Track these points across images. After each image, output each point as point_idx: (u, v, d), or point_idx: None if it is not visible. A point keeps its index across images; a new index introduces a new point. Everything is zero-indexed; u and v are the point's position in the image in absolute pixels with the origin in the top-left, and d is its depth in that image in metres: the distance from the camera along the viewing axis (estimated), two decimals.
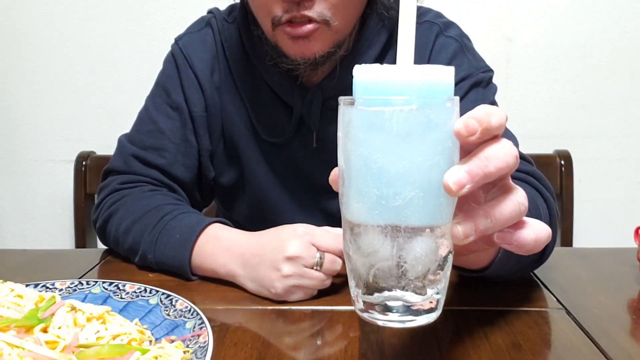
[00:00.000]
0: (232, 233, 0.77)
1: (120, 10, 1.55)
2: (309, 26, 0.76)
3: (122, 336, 0.52)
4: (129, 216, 0.83)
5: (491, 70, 0.94)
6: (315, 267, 0.69)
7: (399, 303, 0.40)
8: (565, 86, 1.55)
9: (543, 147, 1.56)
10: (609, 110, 1.56)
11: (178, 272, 0.77)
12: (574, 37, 1.53)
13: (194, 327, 0.56)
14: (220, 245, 0.75)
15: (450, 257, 0.42)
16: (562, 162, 1.51)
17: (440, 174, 0.38)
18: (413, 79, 0.38)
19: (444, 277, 0.41)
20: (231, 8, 0.97)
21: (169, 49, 1.49)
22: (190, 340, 0.54)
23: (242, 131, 0.92)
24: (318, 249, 0.69)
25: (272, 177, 0.93)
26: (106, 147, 1.60)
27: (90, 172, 1.54)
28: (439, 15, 0.95)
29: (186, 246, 0.75)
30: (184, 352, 0.52)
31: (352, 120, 0.39)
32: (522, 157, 0.87)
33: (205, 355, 0.49)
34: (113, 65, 1.57)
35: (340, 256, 0.69)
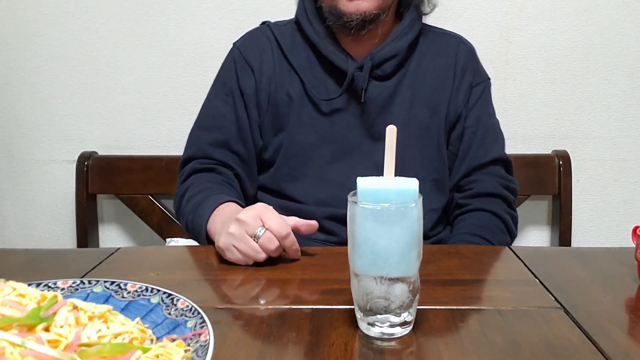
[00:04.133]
0: (234, 206, 0.96)
1: (122, 11, 1.55)
2: None
3: (123, 335, 0.52)
4: (192, 192, 1.06)
5: (489, 78, 1.22)
6: (254, 238, 0.82)
7: (386, 322, 0.62)
8: (563, 87, 1.55)
9: (541, 148, 1.57)
10: (607, 111, 1.56)
11: (199, 227, 0.97)
12: (572, 39, 1.53)
13: (195, 326, 0.56)
14: (221, 213, 0.94)
15: (418, 294, 0.63)
16: (561, 162, 1.52)
17: (410, 246, 0.60)
18: (392, 188, 0.62)
19: (414, 305, 0.63)
20: (281, 20, 1.22)
21: (170, 49, 1.54)
22: (191, 339, 0.55)
23: (293, 97, 1.13)
24: (263, 225, 0.83)
25: (314, 131, 1.12)
26: (108, 147, 1.61)
27: (92, 172, 1.55)
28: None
29: (210, 209, 0.96)
30: (185, 351, 0.52)
31: (356, 213, 0.61)
32: (499, 160, 1.17)
33: (206, 354, 0.50)
34: (115, 66, 1.58)
35: (281, 240, 0.83)
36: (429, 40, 1.16)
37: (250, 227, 0.83)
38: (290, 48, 1.15)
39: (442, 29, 1.21)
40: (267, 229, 0.82)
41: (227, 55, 1.21)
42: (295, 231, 0.87)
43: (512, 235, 1.13)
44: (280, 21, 1.22)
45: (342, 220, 1.02)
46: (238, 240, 0.83)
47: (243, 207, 0.94)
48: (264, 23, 1.23)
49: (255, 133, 1.15)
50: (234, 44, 1.21)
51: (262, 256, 0.83)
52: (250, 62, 1.15)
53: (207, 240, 0.96)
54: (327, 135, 1.12)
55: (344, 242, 0.98)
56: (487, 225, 1.10)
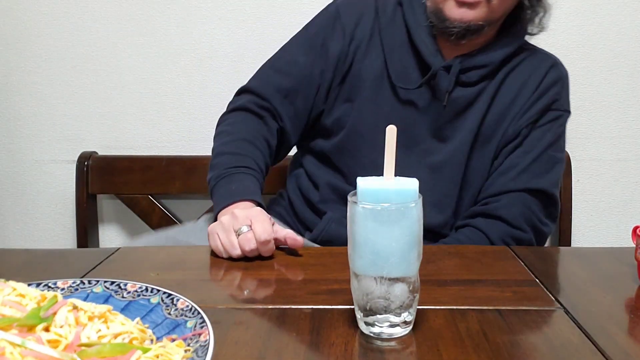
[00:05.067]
0: (248, 204, 0.96)
1: (122, 11, 1.55)
2: None
3: (123, 335, 0.52)
4: (228, 146, 1.07)
5: (569, 113, 1.14)
6: (237, 233, 0.86)
7: (386, 322, 0.62)
8: None
9: None
10: (607, 111, 1.56)
11: (214, 203, 1.00)
12: (572, 39, 1.53)
13: (195, 326, 0.56)
14: (236, 208, 0.94)
15: (417, 294, 0.63)
16: None
17: (410, 246, 0.60)
18: (392, 188, 0.62)
19: (414, 305, 0.63)
20: None
21: (170, 49, 1.52)
22: (191, 339, 0.55)
23: (373, 74, 1.10)
24: (250, 226, 0.86)
25: (383, 116, 1.09)
26: (108, 147, 1.61)
27: (92, 172, 1.55)
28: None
29: (230, 198, 0.97)
30: (185, 351, 0.52)
31: (356, 213, 0.60)
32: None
33: (206, 354, 0.50)
34: (115, 66, 1.58)
35: (259, 244, 0.85)
36: (523, 56, 1.12)
37: (238, 223, 0.87)
38: (387, 24, 1.11)
39: (542, 49, 1.16)
40: (251, 229, 0.86)
41: (327, 7, 1.17)
42: (284, 243, 0.89)
43: None
44: None
45: None
46: (222, 229, 0.88)
47: (262, 206, 0.97)
48: None
49: (323, 95, 1.13)
50: (337, 1, 1.17)
51: (237, 252, 0.86)
52: (346, 24, 1.12)
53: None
54: (393, 122, 1.07)
55: None
56: (465, 242, 1.05)
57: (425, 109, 1.08)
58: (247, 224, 0.86)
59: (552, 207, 1.09)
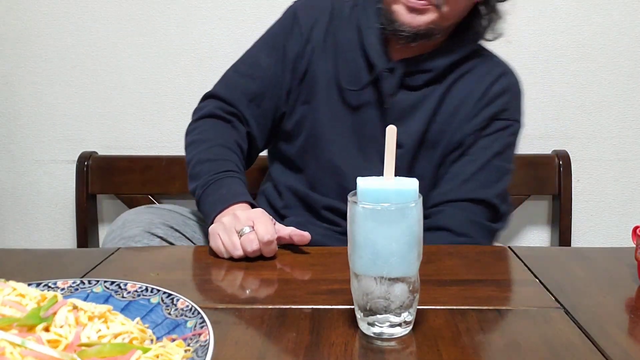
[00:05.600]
0: (243, 206, 0.95)
1: (122, 11, 1.55)
2: (424, 2, 0.98)
3: (123, 335, 0.52)
4: (205, 153, 1.05)
5: (520, 124, 1.13)
6: (239, 234, 0.86)
7: (386, 322, 0.62)
8: (563, 87, 1.55)
9: (541, 148, 1.57)
10: (607, 111, 1.56)
11: (205, 212, 0.99)
12: (572, 39, 1.53)
13: (195, 326, 0.56)
14: (230, 210, 0.94)
15: (417, 294, 0.63)
16: (561, 162, 1.52)
17: (410, 246, 0.60)
18: (392, 188, 0.62)
19: (414, 305, 0.63)
20: None
21: (170, 49, 1.52)
22: (191, 339, 0.55)
23: (325, 76, 1.11)
24: (252, 227, 0.86)
25: (336, 117, 1.10)
26: (108, 147, 1.61)
27: (92, 172, 1.55)
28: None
29: (224, 203, 0.96)
30: (185, 351, 0.52)
31: (356, 213, 0.60)
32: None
33: (206, 354, 0.50)
34: (115, 66, 1.58)
35: (262, 245, 0.85)
36: (474, 63, 1.10)
37: (240, 223, 0.87)
38: (341, 25, 1.12)
39: (496, 56, 1.15)
40: (253, 230, 0.86)
41: (286, 10, 1.18)
42: (289, 241, 0.89)
43: None
44: None
45: (344, 215, 1.05)
46: (224, 230, 0.87)
47: (254, 206, 0.96)
48: None
49: (283, 97, 1.13)
50: (295, 1, 1.18)
51: (239, 253, 0.85)
52: (303, 26, 1.13)
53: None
54: (347, 125, 1.10)
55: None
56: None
57: (372, 111, 1.09)
58: (249, 225, 0.86)
59: (497, 216, 1.07)
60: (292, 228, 0.90)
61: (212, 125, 1.11)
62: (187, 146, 1.10)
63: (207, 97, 1.16)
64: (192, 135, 1.11)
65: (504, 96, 1.09)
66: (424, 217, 1.01)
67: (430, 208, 1.06)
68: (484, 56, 1.13)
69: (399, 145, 1.03)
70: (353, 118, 1.10)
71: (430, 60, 1.06)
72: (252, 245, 0.85)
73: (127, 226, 1.03)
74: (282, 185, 1.15)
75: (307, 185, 1.13)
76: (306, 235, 0.89)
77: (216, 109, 1.11)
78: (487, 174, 1.06)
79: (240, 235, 0.86)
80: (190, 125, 1.14)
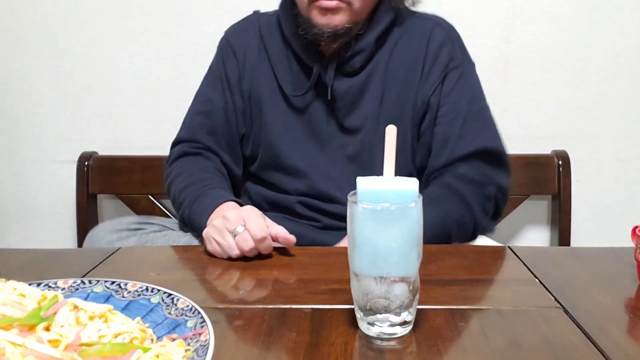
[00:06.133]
0: (230, 205, 0.98)
1: (121, 11, 1.55)
2: (336, 2, 1.01)
3: (123, 335, 0.52)
4: (185, 181, 1.09)
5: (471, 63, 1.15)
6: (233, 234, 0.86)
7: (386, 322, 0.62)
8: (563, 87, 1.55)
9: (541, 148, 1.57)
10: (607, 111, 1.56)
11: (197, 226, 0.99)
12: (573, 38, 1.53)
13: (195, 326, 0.56)
14: (219, 211, 0.97)
15: (418, 294, 0.63)
16: (560, 162, 1.52)
17: (410, 246, 0.60)
18: (392, 188, 0.62)
19: (414, 304, 0.63)
20: (274, 10, 1.22)
21: (169, 49, 1.54)
22: (191, 338, 0.55)
23: (268, 90, 1.15)
24: (245, 226, 0.86)
25: (287, 126, 1.14)
26: (108, 147, 1.61)
27: (92, 172, 1.55)
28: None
29: (210, 208, 0.98)
30: (185, 351, 0.52)
31: (356, 213, 0.60)
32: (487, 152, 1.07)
33: (206, 354, 0.50)
34: (115, 66, 1.58)
35: (256, 242, 0.86)
36: (403, 28, 1.12)
37: (232, 224, 0.87)
38: (270, 40, 1.17)
39: (421, 13, 1.17)
40: (246, 229, 0.86)
41: (219, 42, 1.24)
42: (275, 240, 0.90)
43: (478, 224, 1.05)
44: (271, 11, 1.23)
45: (321, 210, 1.12)
46: (217, 232, 0.88)
47: (240, 205, 0.98)
48: (255, 12, 1.25)
49: (240, 120, 1.18)
50: (225, 31, 1.24)
51: (235, 252, 0.86)
52: (236, 49, 1.18)
53: None
54: (300, 129, 1.14)
55: (327, 227, 1.12)
56: (439, 197, 1.04)
57: (321, 108, 1.12)
58: (241, 224, 0.87)
59: (503, 160, 1.09)
60: (280, 228, 0.90)
61: (185, 162, 1.15)
62: (168, 187, 1.14)
63: (173, 144, 1.20)
64: (169, 177, 1.15)
65: (445, 47, 1.10)
66: (437, 171, 1.06)
67: (438, 169, 1.08)
68: (409, 18, 1.14)
69: (356, 131, 1.11)
70: (304, 120, 1.13)
71: (358, 42, 1.08)
72: (248, 244, 0.85)
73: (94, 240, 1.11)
74: (255, 195, 1.20)
75: (277, 191, 1.16)
76: (291, 239, 0.90)
77: (184, 148, 1.17)
78: (474, 123, 1.08)
79: (234, 235, 0.86)
80: (165, 170, 1.18)
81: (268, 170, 1.17)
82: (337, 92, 1.10)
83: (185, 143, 1.18)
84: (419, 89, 1.10)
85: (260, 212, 0.92)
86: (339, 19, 1.03)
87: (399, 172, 0.94)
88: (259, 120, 1.16)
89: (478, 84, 1.14)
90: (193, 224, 1.02)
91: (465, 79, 1.11)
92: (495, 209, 1.09)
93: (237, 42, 1.19)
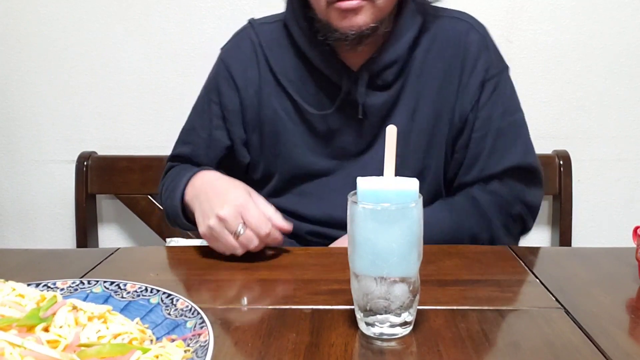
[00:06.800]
0: (211, 174, 0.94)
1: (121, 11, 1.55)
2: (358, 1, 0.90)
3: (123, 335, 0.52)
4: (168, 180, 1.04)
5: (506, 67, 1.06)
6: (235, 235, 0.81)
7: (386, 322, 0.62)
8: (564, 87, 1.55)
9: (542, 148, 1.56)
10: (607, 111, 1.56)
11: (176, 211, 0.96)
12: (573, 38, 1.53)
13: (195, 327, 0.56)
14: (197, 181, 0.93)
15: (418, 294, 0.62)
16: (561, 162, 1.52)
17: (410, 246, 0.60)
18: (392, 188, 0.61)
19: (414, 305, 0.62)
20: (272, 15, 1.11)
21: (170, 49, 1.49)
22: (191, 339, 0.55)
23: (281, 112, 1.04)
24: (244, 222, 0.81)
25: (309, 148, 1.04)
26: (107, 147, 1.61)
27: (91, 172, 1.55)
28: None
29: (180, 185, 0.95)
30: (185, 351, 0.52)
31: (356, 213, 0.60)
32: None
33: (206, 355, 0.50)
34: (114, 66, 1.58)
35: (260, 238, 0.82)
36: (434, 31, 1.02)
37: (230, 226, 0.82)
38: (277, 55, 1.04)
39: (450, 10, 1.06)
40: (246, 227, 0.82)
41: (215, 62, 1.12)
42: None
43: (496, 241, 1.00)
44: (268, 17, 1.10)
45: (331, 238, 1.02)
46: (217, 235, 0.83)
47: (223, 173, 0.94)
48: (248, 22, 1.11)
49: (241, 151, 1.08)
50: (221, 49, 1.12)
51: (240, 251, 0.84)
52: (234, 74, 1.06)
53: (188, 221, 0.98)
54: (323, 150, 1.04)
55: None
56: (461, 208, 1.00)
57: (348, 127, 1.02)
58: (239, 221, 0.81)
59: (535, 177, 1.03)
60: (278, 216, 0.85)
61: (176, 168, 1.09)
62: (161, 201, 1.07)
63: (168, 160, 1.14)
64: (161, 190, 1.08)
65: (482, 54, 1.02)
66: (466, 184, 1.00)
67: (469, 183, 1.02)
68: (439, 17, 1.03)
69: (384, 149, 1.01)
70: (328, 141, 1.03)
71: (389, 51, 0.98)
72: (254, 243, 0.82)
73: None
74: None
75: (289, 216, 1.03)
76: (288, 229, 0.86)
77: (172, 164, 1.11)
78: (506, 139, 1.01)
79: (237, 235, 0.82)
80: (160, 184, 1.10)
81: (283, 193, 1.07)
82: (369, 108, 0.99)
83: (174, 161, 1.12)
84: (457, 103, 1.01)
85: (253, 193, 0.86)
86: (362, 19, 0.91)
87: (426, 192, 0.89)
88: (274, 147, 1.05)
89: (511, 92, 1.05)
90: (170, 211, 0.97)
91: (499, 90, 1.02)
92: (522, 226, 1.05)
93: (235, 66, 1.06)
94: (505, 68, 1.05)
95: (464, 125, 1.02)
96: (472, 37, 1.02)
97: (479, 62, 1.01)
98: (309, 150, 1.04)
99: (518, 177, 1.01)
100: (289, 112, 1.03)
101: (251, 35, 1.07)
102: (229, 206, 0.83)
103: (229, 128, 1.07)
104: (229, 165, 1.10)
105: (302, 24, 1.00)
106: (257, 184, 1.08)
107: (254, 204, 0.84)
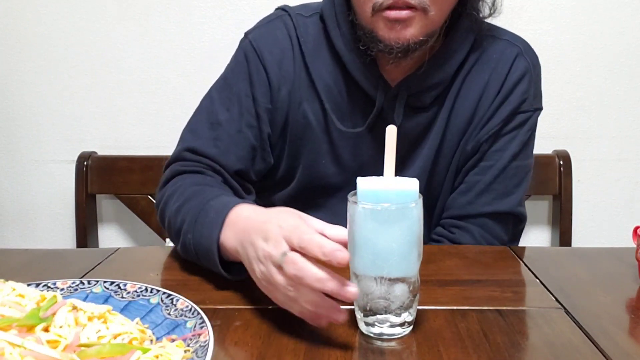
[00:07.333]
0: (248, 210, 0.71)
1: (122, 11, 1.55)
2: (408, 12, 0.81)
3: (123, 335, 0.52)
4: (179, 199, 0.83)
5: (540, 109, 0.99)
6: (276, 266, 0.59)
7: (386, 322, 0.62)
8: (564, 87, 1.55)
9: (542, 148, 1.56)
10: (607, 110, 1.56)
11: (208, 255, 0.72)
12: (573, 38, 1.53)
13: (195, 327, 0.56)
14: (238, 222, 0.70)
15: (418, 294, 0.62)
16: (561, 162, 1.51)
17: (411, 246, 0.60)
18: (392, 188, 0.61)
19: (414, 305, 0.63)
20: (305, 6, 0.99)
21: (170, 49, 1.46)
22: (191, 339, 0.55)
23: (311, 118, 0.95)
24: (289, 245, 0.58)
25: (330, 159, 0.96)
26: (107, 147, 1.61)
27: (91, 172, 1.55)
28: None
29: (217, 224, 0.71)
30: (185, 352, 0.52)
31: (356, 213, 0.60)
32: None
33: (205, 355, 0.50)
34: (114, 66, 1.57)
35: (321, 259, 0.57)
36: (482, 50, 0.94)
37: (275, 257, 0.59)
38: (313, 54, 0.94)
39: (505, 31, 0.99)
40: (290, 249, 0.59)
41: (239, 50, 0.98)
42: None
43: None
44: (301, 7, 0.98)
45: None
46: (267, 281, 0.62)
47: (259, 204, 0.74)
48: (281, 9, 0.99)
49: (267, 149, 0.97)
50: (247, 35, 0.97)
51: (293, 294, 0.61)
52: (268, 67, 0.94)
53: (221, 261, 0.73)
54: (348, 168, 0.97)
55: None
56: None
57: (378, 145, 0.92)
58: (282, 249, 0.58)
59: (518, 226, 0.99)
60: (336, 230, 0.61)
61: (178, 180, 0.90)
62: (160, 216, 0.88)
63: (165, 168, 0.96)
64: (160, 202, 0.89)
65: (521, 84, 0.94)
66: (442, 228, 0.98)
67: (448, 219, 0.98)
68: (489, 39, 0.95)
69: (415, 168, 0.94)
70: (356, 158, 0.96)
71: (433, 72, 0.90)
72: (300, 268, 0.58)
73: None
74: None
75: None
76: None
77: (178, 167, 0.93)
78: (506, 181, 0.95)
79: (280, 267, 0.59)
80: (158, 192, 0.92)
81: (294, 204, 0.79)
82: (402, 130, 0.87)
83: (180, 162, 0.94)
84: (475, 132, 0.94)
85: (304, 216, 0.64)
86: (411, 32, 0.82)
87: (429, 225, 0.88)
88: (298, 153, 0.97)
89: (532, 136, 0.98)
90: (200, 252, 0.75)
91: (525, 129, 0.95)
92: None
93: (270, 57, 0.93)
94: (539, 109, 0.98)
95: (474, 154, 0.96)
96: (520, 63, 0.95)
97: (516, 90, 0.94)
98: (331, 162, 0.97)
99: (503, 222, 0.98)
100: (318, 120, 0.95)
101: (288, 24, 0.95)
102: (265, 242, 0.61)
103: (259, 124, 0.94)
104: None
105: (344, 27, 0.91)
106: (270, 191, 1.02)
107: (307, 223, 0.62)
